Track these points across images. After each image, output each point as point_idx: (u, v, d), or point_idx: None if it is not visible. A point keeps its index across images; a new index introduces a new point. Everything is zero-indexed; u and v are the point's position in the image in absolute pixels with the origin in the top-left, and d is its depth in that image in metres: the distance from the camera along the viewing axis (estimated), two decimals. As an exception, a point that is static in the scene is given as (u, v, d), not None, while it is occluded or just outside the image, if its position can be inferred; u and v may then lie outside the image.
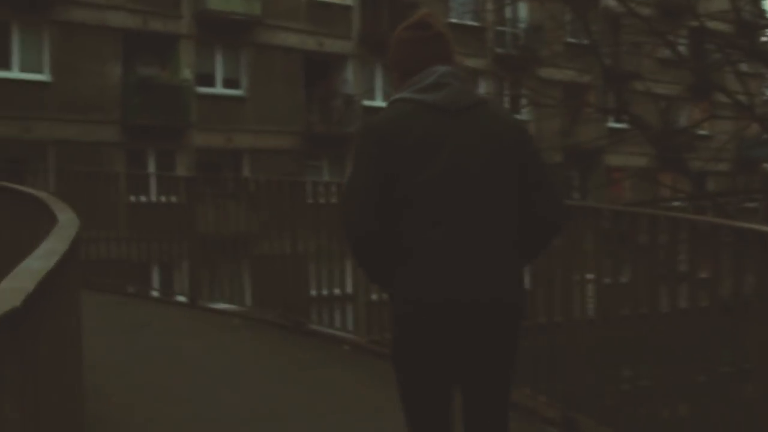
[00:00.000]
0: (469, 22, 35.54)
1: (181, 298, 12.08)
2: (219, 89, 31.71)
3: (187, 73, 30.46)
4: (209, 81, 31.45)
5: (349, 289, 9.84)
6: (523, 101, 29.56)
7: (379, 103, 33.87)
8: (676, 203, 23.02)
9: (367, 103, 33.89)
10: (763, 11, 22.83)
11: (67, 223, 5.55)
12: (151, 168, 29.69)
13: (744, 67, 23.47)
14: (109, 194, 13.45)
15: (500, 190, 3.45)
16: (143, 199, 13.50)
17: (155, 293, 13.38)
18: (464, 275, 3.36)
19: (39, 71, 27.98)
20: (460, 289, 3.35)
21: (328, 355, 9.08)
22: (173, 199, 12.52)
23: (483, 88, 34.92)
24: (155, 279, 15.43)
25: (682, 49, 22.77)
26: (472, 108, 3.52)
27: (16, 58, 27.74)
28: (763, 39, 22.26)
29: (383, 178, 3.40)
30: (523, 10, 37.38)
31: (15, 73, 27.70)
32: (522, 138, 3.55)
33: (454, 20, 34.64)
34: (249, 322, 10.50)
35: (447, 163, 3.40)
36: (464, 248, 3.37)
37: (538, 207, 3.52)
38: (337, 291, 9.93)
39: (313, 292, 10.17)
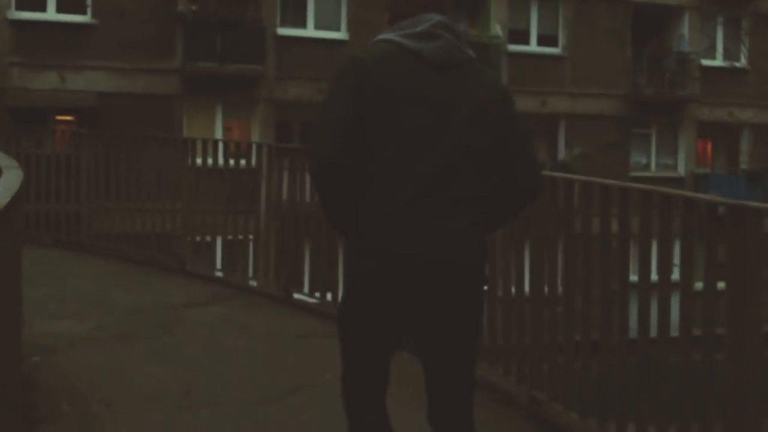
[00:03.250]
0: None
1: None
2: (533, 47, 28.96)
3: (497, 30, 27.77)
4: (523, 38, 28.76)
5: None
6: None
7: (720, 62, 29.57)
8: None
9: (706, 62, 29.73)
10: None
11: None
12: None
13: None
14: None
15: (474, 152, 3.40)
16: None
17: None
18: (428, 231, 3.29)
19: (335, 29, 26.21)
20: (423, 244, 3.29)
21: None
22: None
23: (687, 26, 29.91)
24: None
25: None
26: (460, 65, 3.44)
27: (311, 15, 26.12)
28: None
29: (357, 114, 3.30)
30: None
31: (310, 32, 26.07)
32: (504, 103, 3.49)
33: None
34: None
35: (425, 115, 3.34)
36: (431, 206, 3.31)
37: (515, 173, 3.48)
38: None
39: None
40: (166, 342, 7.19)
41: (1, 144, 13.52)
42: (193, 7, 24.77)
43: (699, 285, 4.77)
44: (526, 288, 6.00)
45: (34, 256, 11.34)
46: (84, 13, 23.73)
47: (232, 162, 11.06)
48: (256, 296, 9.20)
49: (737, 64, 29.56)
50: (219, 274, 10.11)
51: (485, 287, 3.48)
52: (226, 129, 25.59)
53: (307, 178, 8.61)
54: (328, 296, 8.48)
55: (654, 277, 4.85)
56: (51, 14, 23.90)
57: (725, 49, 30.35)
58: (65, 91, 23.65)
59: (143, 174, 11.35)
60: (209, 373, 6.32)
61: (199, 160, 10.62)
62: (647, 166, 30.10)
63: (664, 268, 4.79)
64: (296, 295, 8.91)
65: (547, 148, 28.87)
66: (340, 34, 26.19)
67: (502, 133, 3.44)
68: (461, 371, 3.48)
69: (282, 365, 6.66)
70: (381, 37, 3.46)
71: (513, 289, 6.14)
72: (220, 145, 12.53)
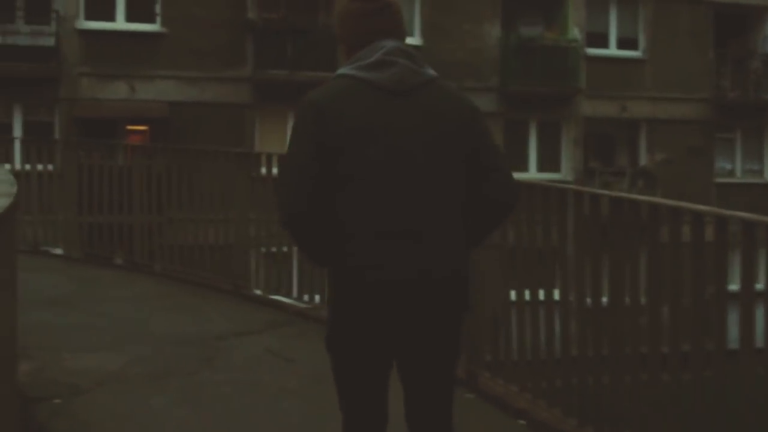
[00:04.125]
0: None
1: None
2: (612, 50, 28.01)
3: (575, 33, 26.96)
4: (601, 41, 27.83)
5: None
6: None
7: (810, 63, 28.36)
8: None
9: (794, 64, 28.49)
10: None
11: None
12: (533, 140, 26.58)
13: None
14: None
15: (446, 172, 3.40)
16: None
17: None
18: (406, 255, 3.31)
19: (408, 34, 25.50)
20: (401, 268, 3.30)
21: None
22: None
23: None
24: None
25: None
26: (420, 87, 3.42)
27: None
28: None
29: (321, 157, 3.32)
30: None
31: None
32: (473, 118, 3.48)
33: None
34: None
35: (390, 145, 3.34)
36: (408, 228, 3.33)
37: (489, 189, 3.48)
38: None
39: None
40: (204, 380, 6.69)
41: (70, 155, 13.33)
42: (264, 15, 24.44)
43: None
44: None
45: (84, 276, 11.10)
46: (153, 21, 23.55)
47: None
48: (311, 323, 8.68)
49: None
50: (277, 297, 9.64)
51: (467, 303, 3.48)
52: (299, 137, 25.10)
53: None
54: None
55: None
56: (120, 24, 23.77)
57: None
58: (135, 101, 23.49)
59: (206, 186, 10.91)
60: (247, 420, 5.80)
61: (264, 170, 10.17)
62: (732, 172, 29.00)
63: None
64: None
65: (628, 155, 27.98)
66: (415, 40, 25.55)
67: (473, 149, 3.45)
68: (442, 384, 3.51)
69: (332, 411, 6.12)
70: (338, 72, 3.47)
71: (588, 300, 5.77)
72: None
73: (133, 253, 11.81)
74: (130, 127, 23.81)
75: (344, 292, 3.34)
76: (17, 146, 14.55)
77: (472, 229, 3.50)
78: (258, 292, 9.94)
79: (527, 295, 6.30)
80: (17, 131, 23.04)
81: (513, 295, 6.55)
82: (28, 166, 13.26)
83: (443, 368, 3.49)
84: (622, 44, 28.00)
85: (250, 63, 24.09)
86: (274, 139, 23.78)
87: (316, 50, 24.23)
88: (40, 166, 13.24)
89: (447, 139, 3.39)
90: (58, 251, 12.78)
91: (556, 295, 6.02)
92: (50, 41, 23.07)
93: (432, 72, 3.46)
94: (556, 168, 26.98)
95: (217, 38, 23.78)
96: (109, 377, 6.58)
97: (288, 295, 9.66)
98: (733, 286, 4.57)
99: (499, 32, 26.32)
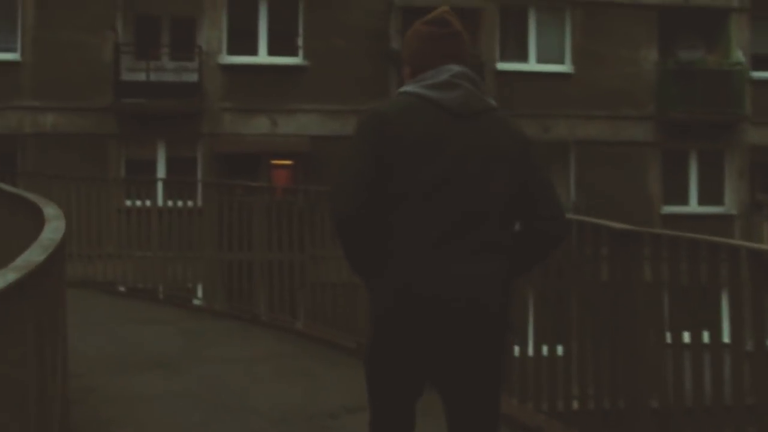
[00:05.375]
0: None
1: None
2: (781, 73, 26.10)
3: (739, 55, 25.37)
4: (768, 64, 25.95)
5: None
6: None
7: None
8: None
9: None
10: None
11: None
12: (694, 171, 25.03)
13: None
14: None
15: (498, 201, 3.47)
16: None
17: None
18: (451, 276, 3.36)
19: (559, 61, 24.55)
20: (446, 288, 3.35)
21: None
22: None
23: None
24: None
25: None
26: (481, 114, 3.52)
27: (533, 48, 24.57)
28: None
29: (378, 168, 3.39)
30: None
31: (532, 65, 24.50)
32: (526, 151, 3.54)
33: None
34: None
35: (446, 165, 3.41)
36: (453, 251, 3.38)
37: (539, 221, 3.54)
38: None
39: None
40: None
41: (212, 193, 12.85)
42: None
43: None
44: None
45: (195, 329, 10.42)
46: (295, 55, 23.12)
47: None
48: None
49: None
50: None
51: (509, 332, 3.50)
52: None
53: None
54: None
55: None
56: (262, 57, 23.47)
57: None
58: (277, 136, 23.11)
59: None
60: None
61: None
62: None
63: None
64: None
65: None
66: (565, 67, 24.53)
67: (524, 180, 3.50)
68: (486, 410, 3.50)
69: None
70: (402, 89, 3.54)
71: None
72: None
73: (253, 304, 11.06)
74: (275, 162, 23.43)
75: (386, 308, 3.39)
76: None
77: (520, 260, 3.54)
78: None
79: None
80: (161, 168, 22.98)
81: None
82: (170, 203, 13.02)
83: (485, 393, 3.48)
84: (792, 67, 26.23)
85: (392, 95, 23.30)
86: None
87: (463, 80, 23.36)
88: (180, 203, 12.97)
89: (501, 166, 3.46)
90: (197, 301, 12.31)
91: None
92: (193, 77, 22.95)
93: (493, 102, 3.56)
94: (718, 201, 25.34)
95: (359, 70, 23.19)
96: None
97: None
98: None
99: (656, 57, 24.97)
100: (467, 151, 3.42)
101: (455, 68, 3.51)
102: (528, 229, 3.54)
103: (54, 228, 5.02)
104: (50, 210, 6.06)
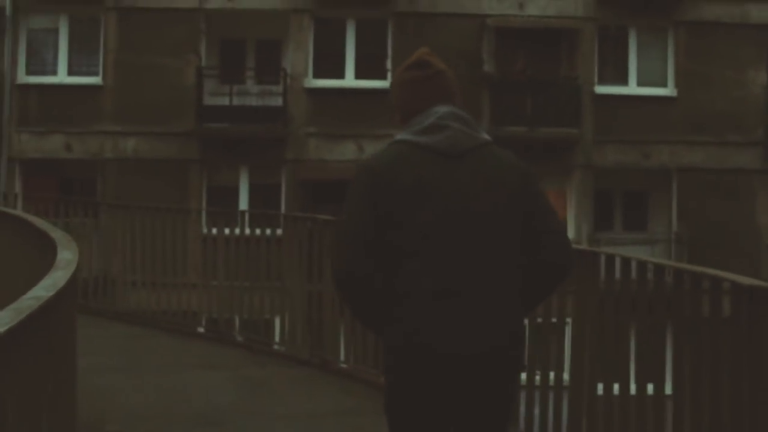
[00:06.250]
0: None
1: None
2: None
3: None
4: None
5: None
6: None
7: None
8: None
9: None
10: None
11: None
12: None
13: None
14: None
15: (500, 237, 3.45)
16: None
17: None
18: (461, 326, 3.34)
19: (661, 84, 23.32)
20: (457, 340, 3.34)
21: None
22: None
23: None
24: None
25: None
26: (473, 151, 3.50)
27: (633, 71, 23.38)
28: None
29: (375, 221, 3.42)
30: None
31: (632, 89, 23.32)
32: (526, 182, 3.52)
33: None
34: None
35: (443, 208, 3.42)
36: (462, 298, 3.37)
37: (544, 252, 3.50)
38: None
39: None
40: None
41: (293, 224, 11.99)
42: (501, 68, 22.71)
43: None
44: None
45: (256, 377, 9.35)
46: (383, 78, 22.19)
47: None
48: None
49: None
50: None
51: (521, 372, 3.48)
52: (540, 198, 23.19)
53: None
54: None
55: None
56: (349, 81, 22.68)
57: None
58: (363, 162, 22.19)
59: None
60: None
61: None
62: None
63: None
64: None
65: None
66: (667, 91, 23.27)
67: (527, 212, 3.48)
68: None
69: None
70: (394, 138, 3.54)
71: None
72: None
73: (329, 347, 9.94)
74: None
75: (397, 359, 3.39)
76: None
77: (528, 294, 3.51)
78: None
79: None
80: (243, 195, 22.26)
81: None
82: (254, 231, 12.16)
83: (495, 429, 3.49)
84: None
85: (486, 119, 22.40)
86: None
87: (558, 105, 22.43)
88: (263, 231, 12.08)
89: (500, 202, 3.45)
90: (277, 346, 11.31)
91: None
92: (278, 101, 22.23)
93: (486, 136, 3.54)
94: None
95: (450, 93, 22.17)
96: None
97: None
98: None
99: (764, 79, 23.57)
100: (462, 191, 3.41)
101: (442, 109, 3.51)
102: (534, 262, 3.49)
103: (55, 277, 4.37)
104: (66, 254, 5.27)
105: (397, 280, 3.37)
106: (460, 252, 3.36)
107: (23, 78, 22.40)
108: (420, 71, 3.59)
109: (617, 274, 6.28)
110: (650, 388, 5.94)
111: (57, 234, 6.12)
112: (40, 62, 22.75)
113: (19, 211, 9.27)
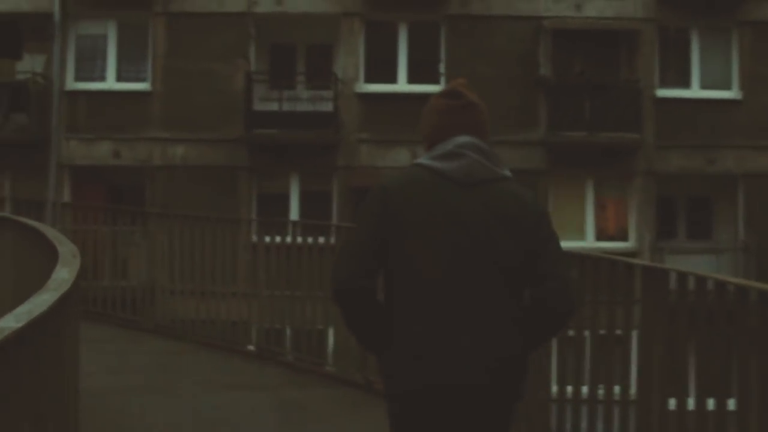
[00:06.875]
0: None
1: None
2: None
3: None
4: None
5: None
6: None
7: None
8: None
9: None
10: None
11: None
12: None
13: None
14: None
15: (503, 269, 3.46)
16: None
17: None
18: (462, 356, 3.37)
19: (725, 87, 22.51)
20: (457, 371, 3.36)
21: None
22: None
23: None
24: None
25: None
26: (488, 183, 3.52)
27: (696, 73, 22.61)
28: None
29: (381, 243, 3.44)
30: None
31: (695, 92, 22.51)
32: (537, 222, 3.53)
33: None
34: None
35: (449, 236, 3.44)
36: (462, 327, 3.38)
37: (545, 295, 3.49)
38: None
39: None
40: None
41: (345, 235, 11.50)
42: (558, 71, 22.05)
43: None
44: None
45: (295, 399, 8.77)
46: (437, 82, 21.58)
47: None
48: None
49: None
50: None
51: (519, 402, 3.49)
52: (599, 206, 22.52)
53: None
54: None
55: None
56: (402, 85, 22.09)
57: None
58: (416, 168, 21.62)
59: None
60: None
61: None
62: None
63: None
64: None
65: None
66: (732, 93, 22.44)
67: (532, 252, 3.46)
68: None
69: None
70: (414, 161, 3.59)
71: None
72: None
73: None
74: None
75: (395, 388, 3.42)
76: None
77: (527, 335, 3.48)
78: None
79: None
80: (294, 203, 21.77)
81: None
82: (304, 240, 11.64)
83: None
84: None
85: (543, 124, 21.76)
86: (570, 209, 21.48)
87: (617, 109, 21.70)
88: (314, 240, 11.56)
89: (509, 238, 3.44)
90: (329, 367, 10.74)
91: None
92: (329, 106, 21.70)
93: (506, 172, 3.54)
94: None
95: (506, 98, 21.48)
96: None
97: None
98: None
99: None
100: (470, 221, 3.43)
101: (462, 139, 3.54)
102: (534, 303, 3.48)
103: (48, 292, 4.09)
104: (63, 272, 4.86)
105: (397, 303, 3.41)
106: (460, 281, 3.38)
107: (72, 84, 22.12)
108: (453, 101, 3.63)
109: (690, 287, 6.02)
110: (731, 403, 5.59)
111: (63, 248, 5.71)
112: (89, 68, 22.45)
113: (33, 221, 8.81)
